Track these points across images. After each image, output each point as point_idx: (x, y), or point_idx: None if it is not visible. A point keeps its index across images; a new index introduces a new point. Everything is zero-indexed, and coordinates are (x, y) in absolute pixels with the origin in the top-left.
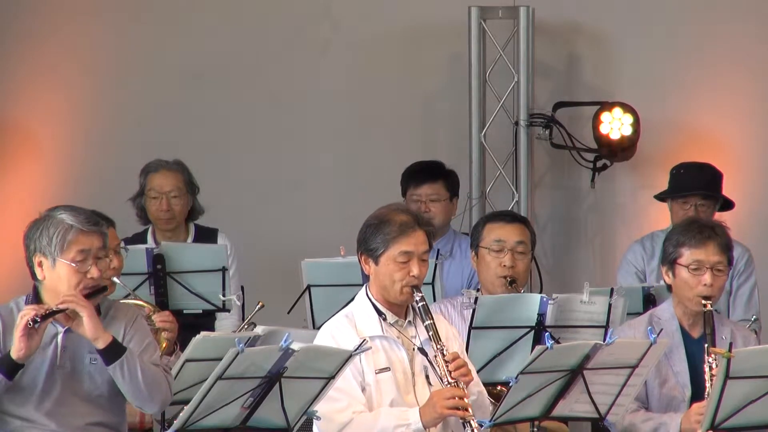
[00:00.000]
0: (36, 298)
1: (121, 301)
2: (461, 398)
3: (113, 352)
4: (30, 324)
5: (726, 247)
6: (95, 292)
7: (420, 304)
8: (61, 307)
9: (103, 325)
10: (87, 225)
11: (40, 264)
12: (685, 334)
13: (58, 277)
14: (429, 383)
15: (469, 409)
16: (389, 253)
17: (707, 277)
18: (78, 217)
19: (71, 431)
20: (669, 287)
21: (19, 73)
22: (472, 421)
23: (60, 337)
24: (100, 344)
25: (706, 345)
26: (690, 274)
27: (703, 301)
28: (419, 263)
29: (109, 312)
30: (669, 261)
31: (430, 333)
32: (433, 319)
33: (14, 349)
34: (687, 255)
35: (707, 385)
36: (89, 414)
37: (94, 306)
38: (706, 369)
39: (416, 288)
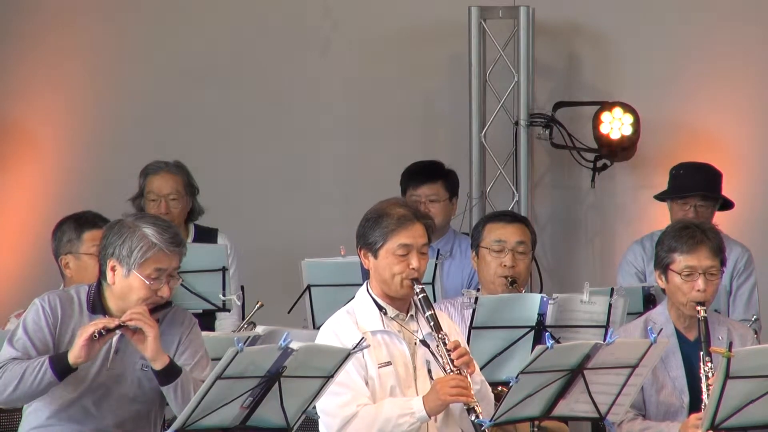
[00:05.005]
0: (98, 293)
1: (180, 307)
2: (464, 385)
3: (169, 374)
4: (95, 336)
5: (718, 249)
6: (159, 306)
7: (420, 296)
8: (129, 324)
9: (160, 328)
10: (170, 246)
11: (114, 269)
12: (681, 338)
13: (129, 288)
14: (431, 377)
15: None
16: (388, 246)
17: (700, 283)
18: (163, 235)
19: None
20: (663, 291)
21: (19, 72)
22: (476, 407)
23: (114, 339)
24: (158, 366)
25: (701, 353)
26: (683, 280)
27: (698, 307)
28: (418, 256)
29: (166, 316)
30: (662, 266)
31: (432, 323)
32: (434, 310)
33: (72, 354)
34: (679, 261)
35: (703, 396)
36: (125, 422)
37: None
38: (703, 377)
39: (416, 281)
